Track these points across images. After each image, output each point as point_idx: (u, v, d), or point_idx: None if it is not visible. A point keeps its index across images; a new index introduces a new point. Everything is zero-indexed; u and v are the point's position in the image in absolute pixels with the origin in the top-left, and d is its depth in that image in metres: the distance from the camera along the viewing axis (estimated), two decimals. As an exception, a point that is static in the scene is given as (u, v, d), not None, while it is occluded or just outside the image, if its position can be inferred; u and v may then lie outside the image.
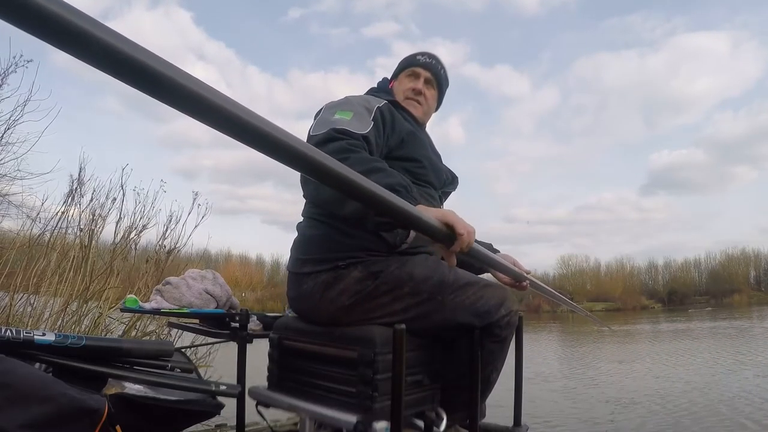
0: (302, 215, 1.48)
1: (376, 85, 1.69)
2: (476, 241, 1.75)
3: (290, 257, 1.44)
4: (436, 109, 1.72)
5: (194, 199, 4.48)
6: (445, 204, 1.64)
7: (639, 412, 4.43)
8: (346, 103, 1.36)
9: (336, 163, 0.71)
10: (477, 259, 1.23)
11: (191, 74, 0.50)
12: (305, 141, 1.28)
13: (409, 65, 1.63)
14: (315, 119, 1.38)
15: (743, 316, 19.71)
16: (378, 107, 1.38)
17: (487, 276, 1.70)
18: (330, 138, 1.21)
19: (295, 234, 1.48)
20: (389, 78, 1.70)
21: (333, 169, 0.70)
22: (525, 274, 1.64)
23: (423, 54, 1.64)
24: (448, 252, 1.07)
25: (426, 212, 1.02)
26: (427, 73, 1.62)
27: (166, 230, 4.42)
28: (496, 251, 1.73)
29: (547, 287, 2.01)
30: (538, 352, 9.77)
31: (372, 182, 0.80)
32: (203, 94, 0.51)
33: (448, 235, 1.04)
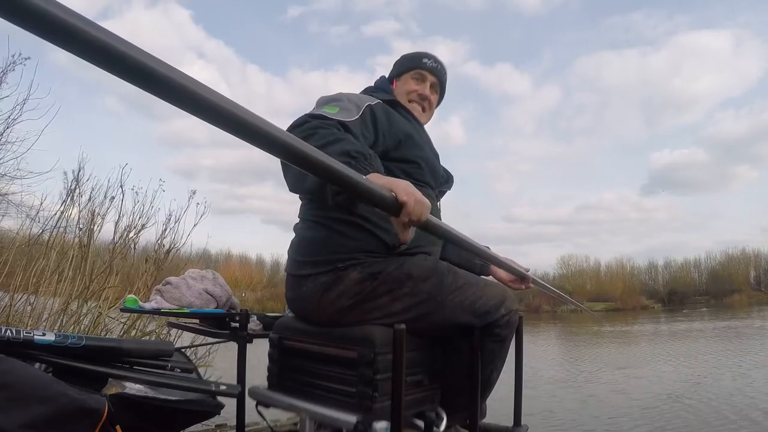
0: (299, 217, 1.47)
1: (373, 84, 1.66)
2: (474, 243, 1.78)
3: (288, 259, 1.44)
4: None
5: (189, 196, 4.48)
6: (441, 202, 1.64)
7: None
8: (336, 100, 1.35)
9: (284, 133, 0.69)
10: (436, 233, 1.13)
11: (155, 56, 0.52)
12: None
13: (416, 67, 1.62)
14: None
15: (746, 316, 19.66)
16: (369, 105, 1.36)
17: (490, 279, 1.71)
18: (303, 122, 1.21)
19: (293, 235, 1.48)
20: (388, 76, 1.69)
21: (280, 138, 0.67)
22: (525, 272, 1.66)
23: (429, 57, 1.63)
24: (398, 223, 0.99)
25: (376, 180, 0.97)
26: (433, 78, 1.63)
27: (165, 229, 4.42)
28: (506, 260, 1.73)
29: (548, 285, 2.02)
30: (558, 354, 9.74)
31: (318, 151, 0.73)
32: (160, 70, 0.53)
33: (396, 205, 0.95)
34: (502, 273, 1.70)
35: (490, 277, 1.76)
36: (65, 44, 0.44)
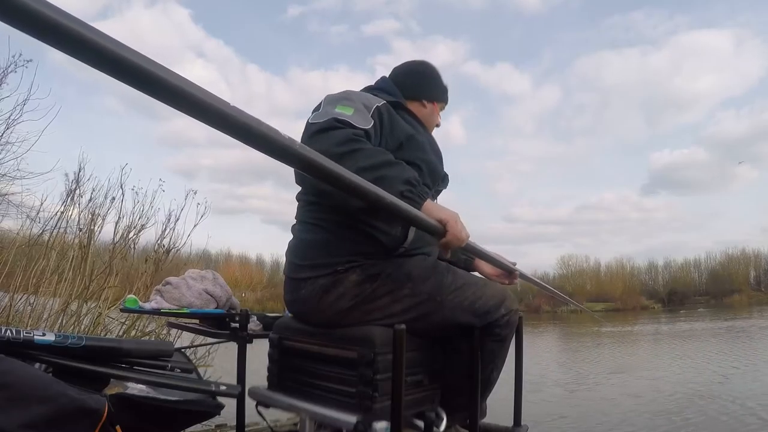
0: (296, 219, 1.46)
1: (374, 84, 1.65)
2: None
3: (286, 262, 1.43)
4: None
5: (186, 195, 4.48)
6: (438, 200, 1.64)
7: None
8: (347, 98, 1.35)
9: (331, 163, 0.73)
10: (471, 253, 1.39)
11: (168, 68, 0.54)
12: (302, 133, 1.27)
13: (446, 102, 1.72)
14: (314, 112, 1.36)
15: (749, 316, 19.64)
16: (377, 106, 1.37)
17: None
18: (331, 126, 1.21)
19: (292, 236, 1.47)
20: (412, 91, 1.62)
21: (329, 168, 0.71)
22: (512, 266, 1.67)
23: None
24: (441, 245, 1.21)
25: (430, 208, 1.17)
26: None
27: (165, 229, 4.42)
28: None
29: (536, 279, 2.03)
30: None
31: (365, 181, 0.85)
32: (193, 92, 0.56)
33: (442, 233, 1.17)
34: (487, 268, 1.69)
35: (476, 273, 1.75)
36: (60, 46, 0.45)
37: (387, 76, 1.67)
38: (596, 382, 6.28)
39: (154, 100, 0.54)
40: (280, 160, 0.69)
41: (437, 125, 1.70)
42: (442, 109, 1.71)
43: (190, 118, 0.57)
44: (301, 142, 1.25)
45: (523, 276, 1.76)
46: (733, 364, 7.12)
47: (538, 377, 6.32)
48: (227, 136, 0.62)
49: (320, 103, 1.38)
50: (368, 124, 1.29)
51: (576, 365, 8.13)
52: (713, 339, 11.47)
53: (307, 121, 1.30)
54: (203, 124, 0.59)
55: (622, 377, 6.61)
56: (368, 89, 1.58)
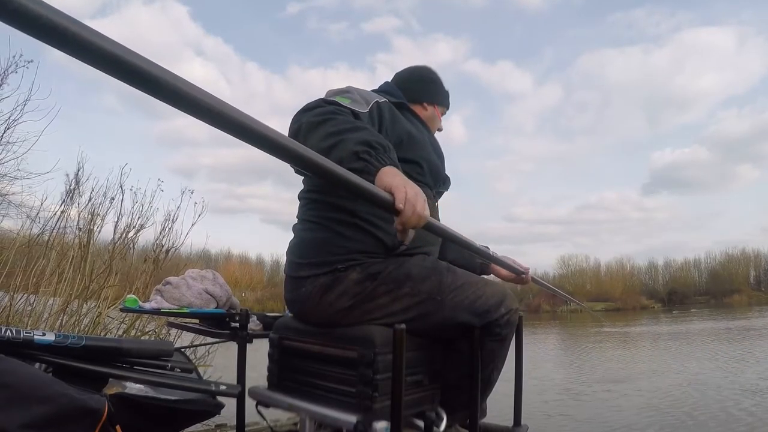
0: (297, 217, 1.46)
1: (377, 87, 1.66)
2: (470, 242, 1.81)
3: (287, 261, 1.43)
4: None
5: (183, 192, 4.48)
6: (440, 202, 1.64)
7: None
8: (347, 91, 1.37)
9: (277, 134, 0.70)
10: (437, 234, 1.17)
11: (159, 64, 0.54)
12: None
13: (448, 106, 1.75)
14: None
15: (756, 316, 19.64)
16: (377, 101, 1.38)
17: (491, 277, 1.74)
18: (317, 105, 1.23)
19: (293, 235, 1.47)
20: (416, 95, 1.65)
21: (274, 137, 0.69)
22: (525, 270, 1.74)
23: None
24: (398, 226, 0.99)
25: (388, 175, 1.00)
26: None
27: (164, 229, 4.42)
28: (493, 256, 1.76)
29: (547, 284, 2.08)
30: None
31: (313, 152, 0.76)
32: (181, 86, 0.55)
33: (394, 208, 0.95)
34: (502, 271, 1.75)
35: (491, 276, 1.78)
36: (57, 44, 0.46)
37: (390, 81, 1.69)
38: (596, 382, 6.28)
39: (154, 98, 0.54)
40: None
41: (439, 130, 1.72)
42: (443, 113, 1.74)
43: (181, 112, 0.58)
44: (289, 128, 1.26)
45: (535, 280, 1.84)
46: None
47: (538, 380, 6.32)
48: (219, 130, 0.63)
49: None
50: (361, 110, 1.30)
51: (577, 365, 8.13)
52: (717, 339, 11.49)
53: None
54: (198, 120, 0.60)
55: (622, 377, 6.61)
56: (372, 91, 1.60)
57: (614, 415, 4.38)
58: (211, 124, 0.62)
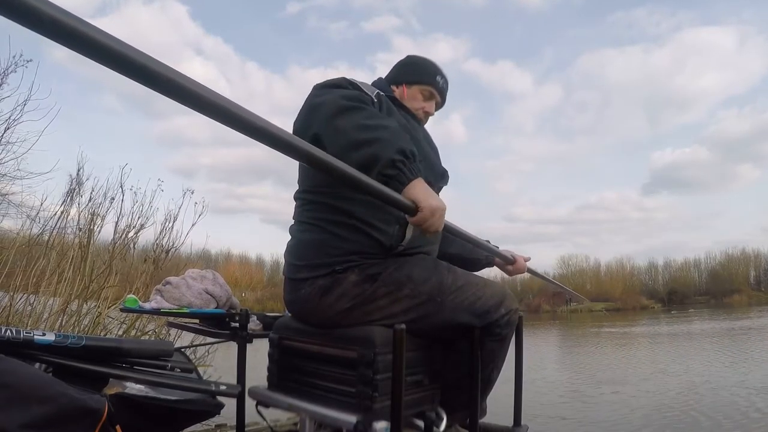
0: (294, 218, 1.45)
1: (371, 83, 1.63)
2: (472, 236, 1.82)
3: (285, 262, 1.43)
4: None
5: (184, 193, 4.48)
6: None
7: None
8: (341, 84, 1.34)
9: (284, 132, 0.74)
10: (450, 233, 1.28)
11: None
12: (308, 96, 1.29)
13: (429, 84, 1.58)
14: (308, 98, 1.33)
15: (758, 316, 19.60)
16: (377, 92, 1.39)
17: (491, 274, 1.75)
18: (340, 84, 1.21)
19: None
20: (392, 77, 1.64)
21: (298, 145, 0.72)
22: (518, 258, 1.80)
23: (442, 75, 1.61)
24: (412, 223, 1.12)
25: (418, 188, 1.09)
26: (439, 98, 1.62)
27: (164, 229, 4.42)
28: (496, 247, 1.77)
29: (542, 275, 2.15)
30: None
31: (337, 160, 0.84)
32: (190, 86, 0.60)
33: (413, 210, 1.09)
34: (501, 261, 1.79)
35: (494, 269, 1.81)
36: (59, 39, 0.48)
37: (383, 77, 1.67)
38: (603, 383, 6.26)
39: (153, 98, 0.55)
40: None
41: (427, 113, 1.60)
42: (426, 94, 1.58)
43: (179, 111, 0.59)
44: (307, 101, 1.27)
45: (530, 270, 1.86)
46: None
47: (545, 382, 6.31)
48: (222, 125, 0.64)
49: (314, 88, 1.36)
50: (372, 94, 1.30)
51: (581, 366, 8.13)
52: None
53: (310, 94, 1.29)
54: (199, 113, 0.61)
55: (623, 377, 6.60)
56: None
57: (627, 415, 4.34)
58: (225, 124, 0.64)
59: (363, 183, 0.92)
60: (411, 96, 1.58)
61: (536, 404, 4.76)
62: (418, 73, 1.59)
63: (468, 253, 1.71)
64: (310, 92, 1.33)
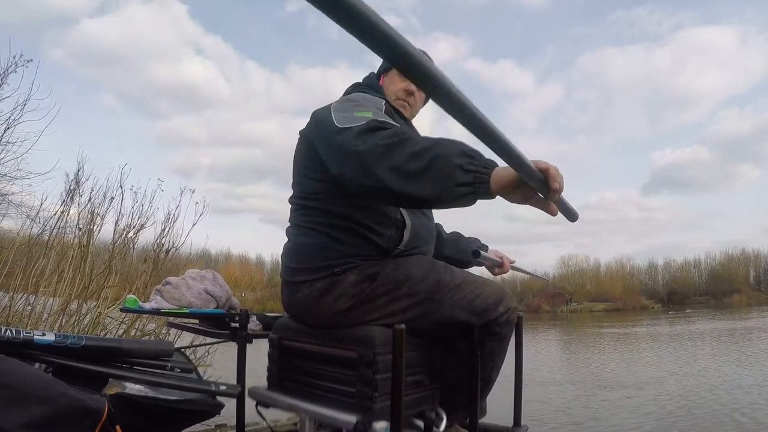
0: (290, 222, 1.44)
1: (362, 81, 1.60)
2: (461, 235, 1.80)
3: (282, 265, 1.42)
4: (424, 104, 1.66)
5: (182, 191, 4.48)
6: None
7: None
8: (360, 104, 1.30)
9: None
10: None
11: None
12: (332, 136, 1.20)
13: (395, 65, 1.57)
14: (324, 118, 1.27)
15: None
16: (384, 103, 1.38)
17: (473, 270, 1.73)
18: (376, 127, 1.13)
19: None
20: (377, 71, 1.63)
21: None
22: (505, 260, 1.75)
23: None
24: (547, 202, 1.02)
25: (505, 174, 0.99)
26: None
27: (164, 229, 4.42)
28: (484, 246, 1.78)
29: (525, 269, 2.11)
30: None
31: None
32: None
33: (544, 183, 0.96)
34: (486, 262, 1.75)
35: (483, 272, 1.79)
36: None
37: (374, 72, 1.65)
38: (623, 387, 6.22)
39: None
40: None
41: (408, 91, 1.54)
42: (398, 73, 1.53)
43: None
44: (332, 143, 1.18)
45: (514, 267, 1.84)
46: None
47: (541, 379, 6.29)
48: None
49: (327, 109, 1.30)
50: (391, 121, 1.24)
51: (579, 364, 8.12)
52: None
53: (337, 127, 1.19)
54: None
55: (625, 377, 6.60)
56: (357, 86, 1.58)
57: (645, 417, 4.30)
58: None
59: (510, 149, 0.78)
60: (389, 84, 1.56)
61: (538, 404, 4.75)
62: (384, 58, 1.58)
63: (461, 255, 1.71)
64: (329, 121, 1.22)
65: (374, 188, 1.09)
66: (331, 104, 1.32)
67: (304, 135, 1.41)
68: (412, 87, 1.54)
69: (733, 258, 49.37)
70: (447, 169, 1.01)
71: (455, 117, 0.65)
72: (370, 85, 1.58)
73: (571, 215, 1.15)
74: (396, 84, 1.56)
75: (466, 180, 1.00)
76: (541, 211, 1.05)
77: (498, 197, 1.04)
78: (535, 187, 0.95)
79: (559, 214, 1.11)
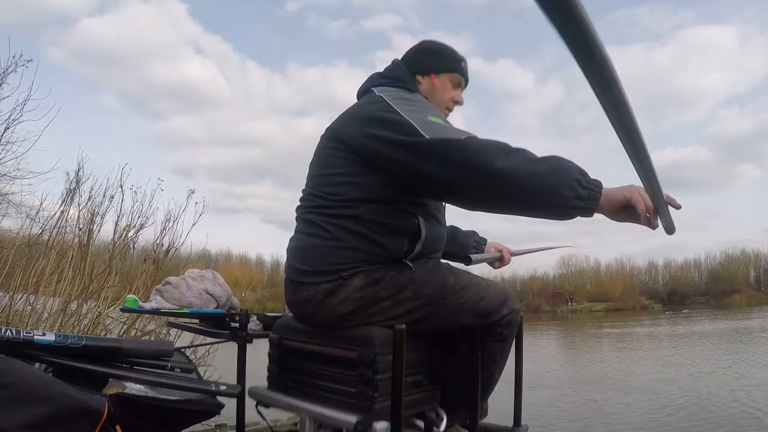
0: (298, 219, 1.40)
1: (384, 70, 1.50)
2: (458, 229, 1.80)
3: (288, 263, 1.39)
4: None
5: (188, 195, 4.48)
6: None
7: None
8: (427, 108, 1.28)
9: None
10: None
11: None
12: (399, 145, 1.18)
13: (456, 71, 1.50)
14: (393, 120, 1.20)
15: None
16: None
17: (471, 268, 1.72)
18: (476, 142, 1.13)
19: (292, 233, 1.43)
20: (410, 64, 1.49)
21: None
22: (502, 252, 1.78)
23: (464, 60, 1.53)
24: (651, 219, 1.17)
25: (613, 197, 1.12)
26: (465, 85, 1.55)
27: (164, 229, 4.42)
28: (482, 239, 1.78)
29: (525, 249, 2.06)
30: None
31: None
32: None
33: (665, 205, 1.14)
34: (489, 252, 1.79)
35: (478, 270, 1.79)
36: None
37: (399, 59, 1.53)
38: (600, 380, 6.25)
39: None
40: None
41: (456, 102, 1.52)
42: (453, 82, 1.50)
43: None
44: (428, 156, 1.15)
45: (514, 253, 1.85)
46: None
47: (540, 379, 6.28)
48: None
49: (385, 109, 1.24)
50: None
51: (580, 363, 8.11)
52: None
53: (424, 139, 1.15)
54: None
55: (625, 376, 6.59)
56: (380, 75, 1.48)
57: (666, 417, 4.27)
58: None
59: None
60: (443, 89, 1.49)
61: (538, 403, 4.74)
62: (444, 59, 1.50)
63: (458, 249, 1.71)
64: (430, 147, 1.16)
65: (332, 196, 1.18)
66: (389, 102, 1.26)
67: (337, 133, 1.34)
68: (461, 99, 1.53)
69: (733, 258, 49.43)
70: (567, 177, 1.08)
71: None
72: (396, 76, 1.45)
73: (669, 229, 1.25)
74: (448, 91, 1.50)
75: (581, 194, 1.09)
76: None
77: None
78: (658, 212, 1.13)
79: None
